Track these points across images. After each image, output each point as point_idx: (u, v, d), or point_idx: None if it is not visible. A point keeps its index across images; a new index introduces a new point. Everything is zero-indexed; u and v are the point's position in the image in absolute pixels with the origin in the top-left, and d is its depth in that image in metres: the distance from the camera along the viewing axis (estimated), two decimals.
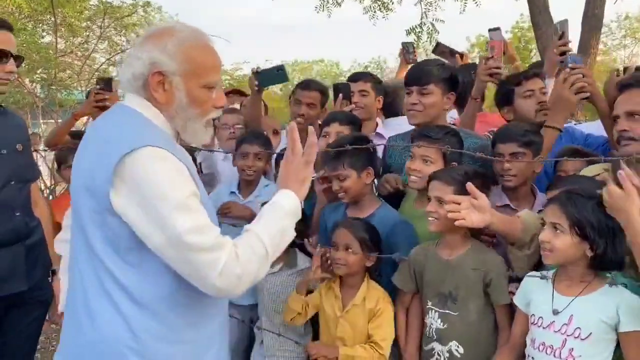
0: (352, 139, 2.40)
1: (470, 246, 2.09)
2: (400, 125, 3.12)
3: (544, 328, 1.81)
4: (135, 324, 1.45)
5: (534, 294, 1.89)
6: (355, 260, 2.24)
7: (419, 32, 7.38)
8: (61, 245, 2.55)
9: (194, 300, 1.51)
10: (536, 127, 2.38)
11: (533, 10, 5.77)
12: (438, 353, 2.09)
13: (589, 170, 2.20)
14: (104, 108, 3.15)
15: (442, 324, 2.08)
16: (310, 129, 1.71)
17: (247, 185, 2.95)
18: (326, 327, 2.34)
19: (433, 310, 2.11)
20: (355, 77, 3.20)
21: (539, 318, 1.84)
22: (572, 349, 1.74)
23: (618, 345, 1.75)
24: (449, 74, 2.56)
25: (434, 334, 2.10)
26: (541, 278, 1.87)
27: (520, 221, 1.95)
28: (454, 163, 2.27)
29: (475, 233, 2.12)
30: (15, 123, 2.46)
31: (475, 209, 1.88)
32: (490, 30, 3.21)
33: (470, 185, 1.90)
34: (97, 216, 1.44)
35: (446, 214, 1.96)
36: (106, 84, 3.17)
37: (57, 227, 3.03)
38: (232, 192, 2.94)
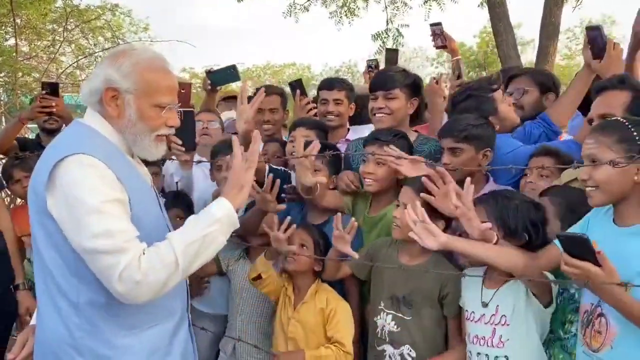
0: (323, 146, 2.47)
1: (431, 256, 2.12)
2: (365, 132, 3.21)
3: (475, 322, 1.93)
4: (71, 323, 1.55)
5: (467, 291, 2.00)
6: (306, 258, 2.29)
7: (385, 37, 7.49)
8: None
9: (125, 307, 1.56)
10: (485, 120, 2.36)
11: (493, 18, 5.93)
12: (389, 355, 2.12)
13: (567, 175, 2.13)
14: (50, 113, 3.13)
15: (395, 326, 2.10)
16: (256, 133, 1.75)
17: None
18: (280, 328, 2.38)
19: (385, 312, 2.14)
20: (330, 85, 3.16)
21: (471, 313, 1.96)
22: (501, 335, 1.87)
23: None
24: (412, 80, 2.65)
25: (386, 336, 2.13)
26: (483, 276, 1.96)
27: None
28: None
29: None
30: None
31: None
32: (431, 25, 3.43)
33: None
34: (39, 217, 1.55)
35: (410, 221, 2.01)
36: (52, 89, 3.15)
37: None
38: None
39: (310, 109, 3.16)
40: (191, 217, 1.64)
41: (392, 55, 3.59)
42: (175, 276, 1.53)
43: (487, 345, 1.89)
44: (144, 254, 1.50)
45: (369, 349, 2.26)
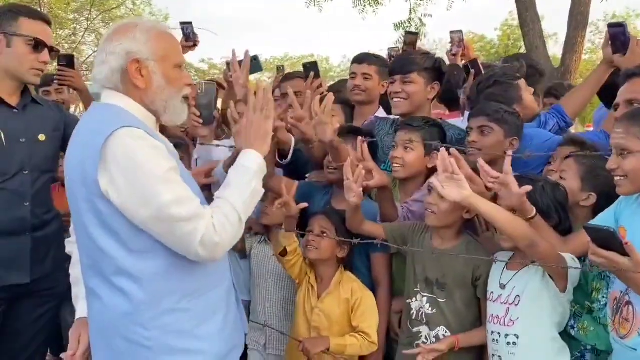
0: (348, 128, 2.46)
1: (463, 239, 2.12)
2: None
3: (493, 302, 1.95)
4: (135, 300, 1.54)
5: (492, 274, 2.00)
6: (328, 245, 2.26)
7: (407, 27, 7.41)
8: (72, 247, 2.51)
9: (187, 273, 1.59)
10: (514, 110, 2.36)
11: (520, 8, 5.83)
12: (425, 336, 2.12)
13: None
14: (68, 85, 3.15)
15: (430, 309, 2.11)
16: (267, 87, 1.77)
17: None
18: (302, 316, 2.35)
19: (421, 295, 2.14)
20: (361, 59, 3.05)
21: (491, 293, 1.97)
22: (512, 314, 1.88)
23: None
24: (433, 64, 2.57)
25: (423, 317, 2.13)
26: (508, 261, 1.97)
27: None
28: (435, 152, 2.29)
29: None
30: (46, 114, 2.42)
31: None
32: (451, 32, 3.49)
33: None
34: (90, 204, 1.52)
35: (445, 208, 2.01)
36: (68, 61, 3.15)
37: None
38: None
39: (322, 93, 3.09)
40: (231, 175, 1.66)
41: (411, 38, 3.54)
42: (240, 232, 1.62)
43: (501, 324, 1.91)
44: (212, 216, 1.54)
45: (402, 331, 2.25)
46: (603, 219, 1.76)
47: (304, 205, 2.25)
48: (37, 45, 2.26)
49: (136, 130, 1.50)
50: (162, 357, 1.56)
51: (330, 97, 2.21)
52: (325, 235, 2.26)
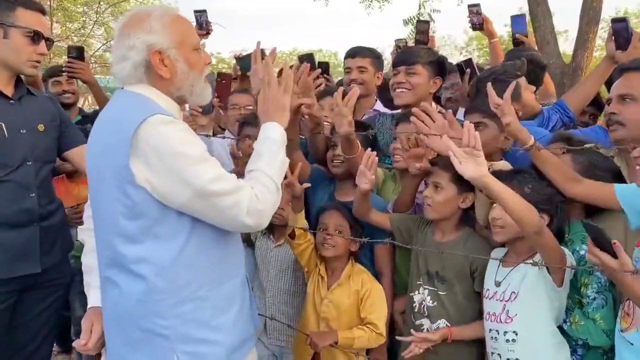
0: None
1: (462, 232, 2.13)
2: None
3: (489, 299, 1.96)
4: (154, 288, 1.55)
5: (488, 271, 2.02)
6: (344, 241, 2.29)
7: (416, 22, 7.34)
8: (85, 234, 2.52)
9: (206, 262, 1.62)
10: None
11: (531, 3, 5.74)
12: (427, 329, 2.14)
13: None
14: (77, 77, 3.15)
15: (431, 301, 2.13)
16: (285, 63, 1.78)
17: None
18: (312, 307, 2.36)
19: (423, 287, 2.16)
20: (354, 53, 3.09)
21: (487, 290, 1.99)
22: (508, 310, 1.89)
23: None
24: (436, 59, 2.61)
25: (425, 310, 2.14)
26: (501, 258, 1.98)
27: None
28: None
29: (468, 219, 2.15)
30: (43, 105, 2.42)
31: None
32: (469, 5, 3.55)
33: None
34: (120, 191, 1.53)
35: (440, 200, 2.05)
36: (78, 53, 3.14)
37: None
38: None
39: (320, 84, 3.08)
40: (259, 147, 1.71)
41: (423, 26, 3.57)
42: (279, 200, 1.69)
43: (497, 322, 1.91)
44: (252, 187, 1.58)
45: (405, 323, 2.27)
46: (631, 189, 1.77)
47: (307, 185, 2.29)
48: (35, 36, 2.25)
49: (167, 117, 1.53)
50: (179, 346, 1.57)
51: (356, 91, 2.25)
52: (340, 233, 2.28)
